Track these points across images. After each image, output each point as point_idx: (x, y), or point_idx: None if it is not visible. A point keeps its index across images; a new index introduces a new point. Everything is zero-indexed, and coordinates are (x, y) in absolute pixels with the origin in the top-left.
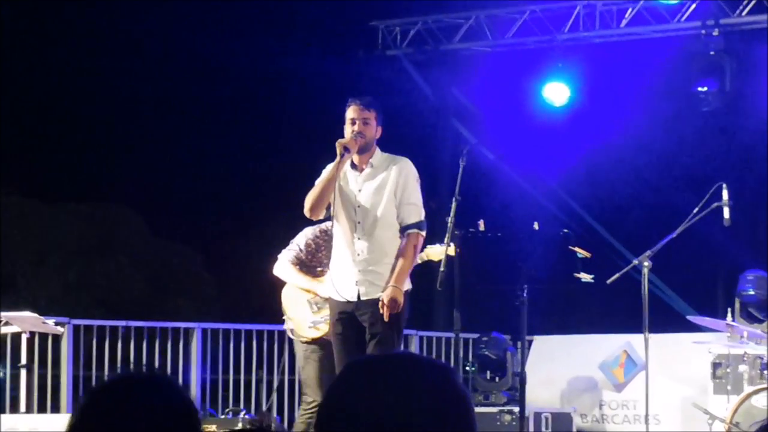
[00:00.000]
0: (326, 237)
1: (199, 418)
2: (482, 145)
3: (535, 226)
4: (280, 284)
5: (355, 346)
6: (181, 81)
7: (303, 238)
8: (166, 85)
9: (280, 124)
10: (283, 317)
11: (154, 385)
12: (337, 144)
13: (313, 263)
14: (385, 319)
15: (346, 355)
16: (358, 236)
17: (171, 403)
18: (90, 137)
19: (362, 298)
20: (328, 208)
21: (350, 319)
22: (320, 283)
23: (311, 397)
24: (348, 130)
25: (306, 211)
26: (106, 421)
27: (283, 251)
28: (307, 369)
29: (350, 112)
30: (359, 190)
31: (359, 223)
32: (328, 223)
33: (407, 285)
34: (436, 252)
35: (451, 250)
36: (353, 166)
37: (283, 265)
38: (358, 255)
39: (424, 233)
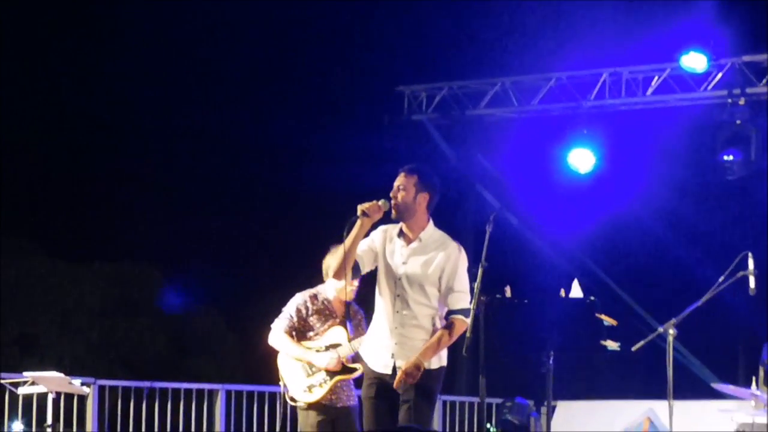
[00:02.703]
0: (316, 301)
1: None
2: (507, 210)
3: (562, 293)
4: (276, 351)
5: (387, 412)
6: (206, 150)
7: (294, 305)
8: (194, 154)
9: (306, 189)
10: (280, 383)
11: None
12: (358, 207)
13: (305, 328)
14: (395, 384)
15: (375, 420)
16: (397, 309)
17: None
18: (113, 198)
19: (398, 371)
20: (356, 269)
21: (384, 386)
22: (314, 352)
23: None
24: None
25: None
26: None
27: (276, 320)
28: None
29: (396, 180)
30: (404, 263)
31: (398, 296)
32: (318, 287)
33: (442, 362)
34: None
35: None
36: (401, 234)
37: (277, 335)
38: (396, 328)
39: (468, 321)
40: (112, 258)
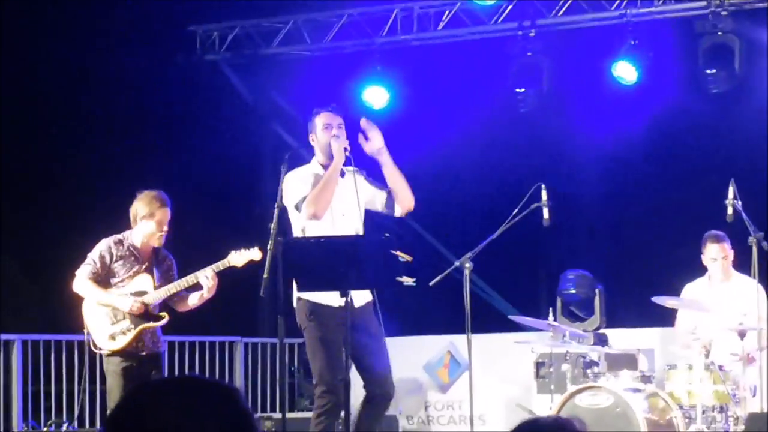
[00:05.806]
0: (121, 246)
1: None
2: (303, 149)
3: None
4: (81, 298)
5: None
6: None
7: (98, 251)
8: None
9: (96, 128)
10: (84, 330)
11: None
12: (343, 148)
13: (109, 275)
14: None
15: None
16: None
17: None
18: None
19: (356, 305)
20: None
21: (340, 319)
22: (117, 296)
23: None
24: (324, 136)
25: (310, 215)
26: None
27: (81, 267)
28: (109, 381)
29: (326, 118)
30: (340, 200)
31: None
32: (125, 233)
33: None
34: (238, 258)
35: (257, 255)
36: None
37: (81, 281)
38: None
39: None
40: None
